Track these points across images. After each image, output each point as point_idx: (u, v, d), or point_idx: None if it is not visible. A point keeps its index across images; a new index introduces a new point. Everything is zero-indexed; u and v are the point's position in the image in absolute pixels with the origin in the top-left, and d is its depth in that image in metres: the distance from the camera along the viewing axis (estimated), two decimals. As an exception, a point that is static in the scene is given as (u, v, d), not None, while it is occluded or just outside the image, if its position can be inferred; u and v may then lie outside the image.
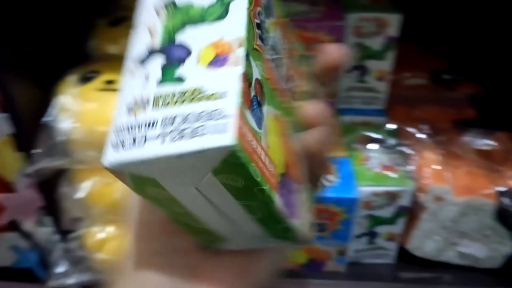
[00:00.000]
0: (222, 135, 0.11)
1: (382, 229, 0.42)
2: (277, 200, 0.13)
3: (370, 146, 0.41)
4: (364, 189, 0.39)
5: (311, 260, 0.43)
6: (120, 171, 0.12)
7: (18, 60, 0.34)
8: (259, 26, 0.14)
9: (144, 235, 0.17)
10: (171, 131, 0.11)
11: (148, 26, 0.14)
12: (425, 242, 0.42)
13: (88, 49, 0.41)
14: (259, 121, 0.12)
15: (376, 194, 0.39)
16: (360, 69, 0.42)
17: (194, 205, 0.14)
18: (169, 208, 0.15)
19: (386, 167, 0.40)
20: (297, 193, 0.15)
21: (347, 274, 0.44)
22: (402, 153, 0.41)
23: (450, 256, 0.43)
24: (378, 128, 0.43)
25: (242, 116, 0.11)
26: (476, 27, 0.49)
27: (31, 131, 0.36)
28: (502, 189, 0.38)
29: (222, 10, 0.14)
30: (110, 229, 0.41)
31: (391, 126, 0.42)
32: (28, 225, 0.44)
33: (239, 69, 0.12)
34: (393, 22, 0.38)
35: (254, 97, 0.12)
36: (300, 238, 0.15)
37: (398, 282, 0.44)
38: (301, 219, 0.15)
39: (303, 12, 0.35)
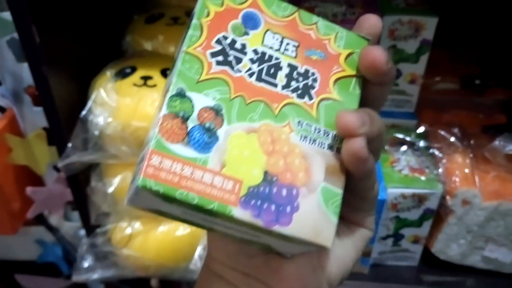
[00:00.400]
0: (138, 177, 0.14)
1: (407, 232, 0.42)
2: (238, 213, 0.14)
3: (400, 148, 0.41)
4: (392, 191, 0.39)
5: (336, 261, 0.43)
6: (136, 208, 0.16)
7: (56, 54, 0.35)
8: (218, 53, 0.16)
9: (218, 239, 0.18)
10: (133, 177, 0.15)
11: None
12: (450, 246, 0.42)
13: (124, 45, 0.42)
14: (205, 146, 0.15)
15: (404, 196, 0.39)
16: (392, 73, 0.42)
17: (203, 223, 0.16)
18: (199, 225, 0.17)
19: (415, 170, 0.40)
20: (299, 197, 0.15)
21: (371, 275, 0.44)
22: (431, 156, 0.41)
23: (474, 260, 0.43)
24: (408, 130, 0.43)
25: (160, 153, 0.14)
26: (508, 33, 0.50)
27: (65, 124, 0.36)
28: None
29: (174, 62, 0.16)
30: (137, 225, 0.41)
31: (421, 129, 0.43)
32: (54, 219, 0.44)
33: (161, 113, 0.15)
34: (429, 25, 0.38)
35: (194, 127, 0.15)
36: (306, 244, 0.15)
37: (421, 285, 0.44)
38: (301, 224, 0.15)
39: (340, 13, 0.36)
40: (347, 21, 0.35)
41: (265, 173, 0.15)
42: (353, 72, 0.17)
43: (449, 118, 0.45)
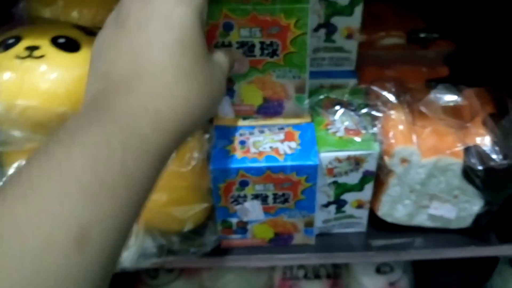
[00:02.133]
0: None
1: (350, 197, 0.40)
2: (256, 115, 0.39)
3: (335, 109, 0.39)
4: (326, 155, 0.36)
5: (278, 235, 0.41)
6: None
7: None
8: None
9: None
10: None
11: None
12: (396, 208, 0.41)
13: (17, 14, 0.36)
14: (229, 94, 0.35)
15: (338, 160, 0.37)
16: (327, 27, 0.38)
17: None
18: None
19: (350, 131, 0.37)
20: (283, 103, 0.36)
21: (317, 246, 0.42)
22: (368, 115, 0.38)
23: (421, 220, 0.42)
24: (346, 90, 0.40)
25: None
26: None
27: None
28: (468, 146, 0.36)
29: None
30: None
31: (359, 87, 0.40)
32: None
33: None
34: (357, -30, 0.34)
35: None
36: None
37: (370, 251, 0.42)
38: (286, 114, 0.36)
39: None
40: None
41: (263, 98, 0.35)
42: (301, 32, 0.31)
43: (391, 73, 0.43)
